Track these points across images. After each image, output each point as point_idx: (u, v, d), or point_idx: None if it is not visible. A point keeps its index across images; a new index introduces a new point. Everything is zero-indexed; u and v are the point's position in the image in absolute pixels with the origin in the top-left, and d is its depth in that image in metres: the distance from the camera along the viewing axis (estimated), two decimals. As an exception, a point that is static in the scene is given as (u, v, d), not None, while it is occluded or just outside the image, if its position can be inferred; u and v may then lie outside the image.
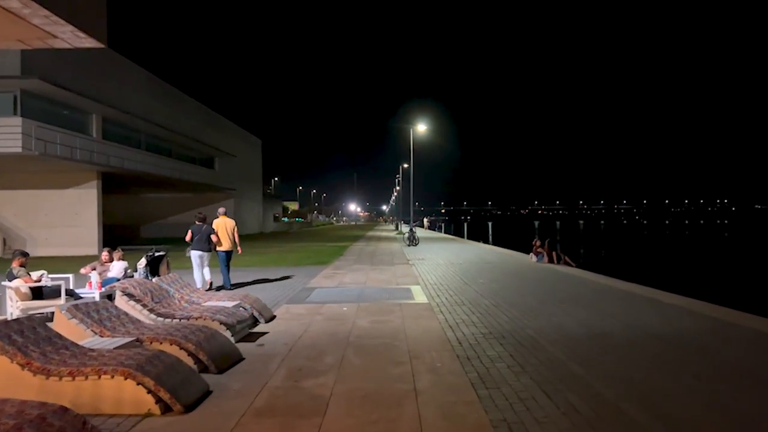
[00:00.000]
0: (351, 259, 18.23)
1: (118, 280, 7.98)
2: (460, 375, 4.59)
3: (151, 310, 5.76)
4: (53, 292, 7.19)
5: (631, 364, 4.92)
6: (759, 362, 4.99)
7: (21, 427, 2.55)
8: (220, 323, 5.61)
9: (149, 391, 3.58)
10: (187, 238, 9.83)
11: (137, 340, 4.66)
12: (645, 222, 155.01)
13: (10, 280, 6.93)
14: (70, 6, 2.82)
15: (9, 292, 6.86)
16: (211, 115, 41.09)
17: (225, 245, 10.17)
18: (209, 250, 9.91)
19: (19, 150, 19.08)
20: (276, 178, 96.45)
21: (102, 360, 3.76)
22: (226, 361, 4.82)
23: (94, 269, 8.40)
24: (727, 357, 5.18)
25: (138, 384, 3.57)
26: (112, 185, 29.14)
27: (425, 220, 72.88)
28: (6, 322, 3.87)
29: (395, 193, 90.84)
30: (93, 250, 22.37)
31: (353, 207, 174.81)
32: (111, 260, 8.72)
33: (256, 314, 6.73)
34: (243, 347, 5.51)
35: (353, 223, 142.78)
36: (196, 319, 5.66)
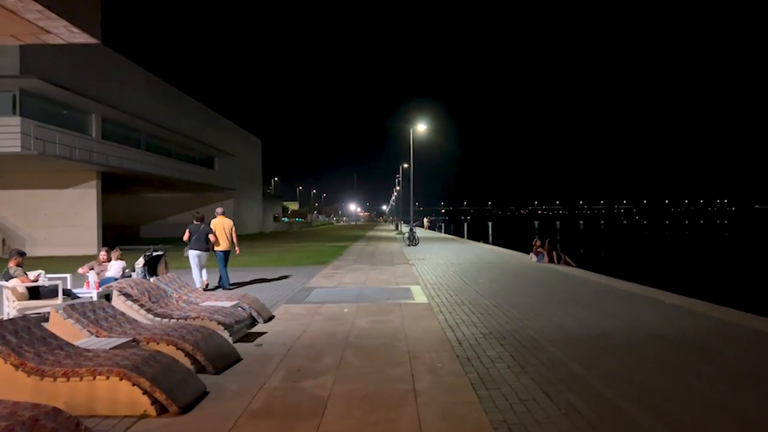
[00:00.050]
0: (350, 259, 18.18)
1: (116, 279, 7.92)
2: (460, 375, 4.55)
3: (148, 310, 5.72)
4: (50, 292, 7.14)
5: (632, 364, 4.88)
6: (761, 362, 4.95)
7: (13, 428, 2.51)
8: (218, 323, 5.57)
9: (145, 392, 3.54)
10: (185, 237, 9.78)
11: (134, 340, 4.61)
12: (645, 222, 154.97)
13: (6, 280, 6.89)
14: (63, 0, 2.78)
15: (6, 292, 6.82)
16: (211, 114, 41.05)
17: (223, 245, 10.13)
18: (207, 250, 9.87)
19: (18, 149, 19.04)
20: (276, 178, 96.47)
21: (97, 360, 3.72)
22: (224, 361, 4.77)
23: (92, 269, 8.35)
24: (729, 357, 5.14)
25: (133, 385, 3.53)
26: (112, 185, 29.10)
27: (425, 220, 72.82)
28: (0, 322, 3.83)
29: (395, 193, 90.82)
30: (93, 250, 22.33)
31: (353, 207, 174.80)
32: (109, 260, 8.68)
33: (254, 314, 6.69)
34: (241, 347, 5.46)
35: (353, 223, 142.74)
36: (194, 319, 5.61)
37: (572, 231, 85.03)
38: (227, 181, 41.08)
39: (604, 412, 3.68)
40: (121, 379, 3.53)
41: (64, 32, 2.98)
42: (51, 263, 15.85)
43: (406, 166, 50.24)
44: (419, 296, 9.20)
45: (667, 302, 8.41)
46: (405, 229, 40.55)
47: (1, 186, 23.53)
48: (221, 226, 10.20)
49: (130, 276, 8.46)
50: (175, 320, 5.57)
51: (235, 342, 5.61)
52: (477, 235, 56.10)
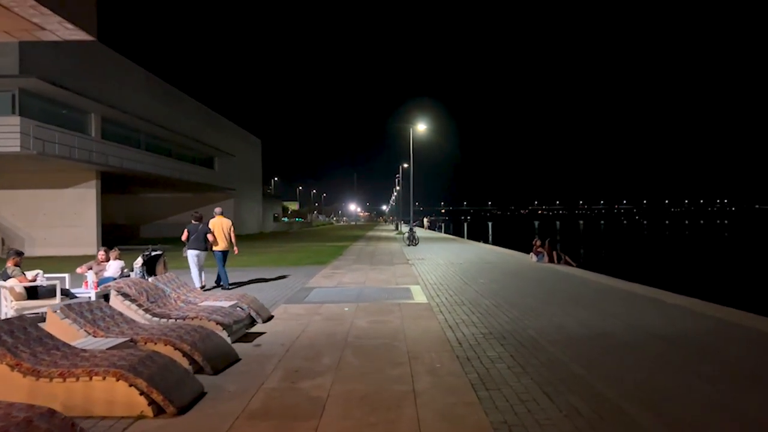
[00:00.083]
0: (350, 258, 18.15)
1: (115, 279, 7.89)
2: (460, 376, 4.51)
3: (146, 310, 5.69)
4: (49, 292, 7.10)
5: (633, 364, 4.85)
6: (762, 362, 4.92)
7: (7, 430, 2.47)
8: (217, 323, 5.54)
9: (142, 393, 3.50)
10: (184, 237, 9.75)
11: (131, 340, 4.58)
12: (645, 222, 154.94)
13: (4, 280, 6.86)
14: (57, -3, 2.75)
15: (3, 292, 6.78)
16: (211, 114, 41.04)
17: (221, 245, 10.10)
18: (206, 249, 9.83)
19: (18, 149, 19.01)
20: (276, 178, 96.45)
21: (94, 361, 3.68)
22: (222, 361, 4.74)
23: (91, 269, 8.32)
24: (731, 357, 5.11)
25: (130, 385, 3.49)
26: (112, 185, 29.07)
27: (425, 220, 72.76)
28: (-4, 322, 3.79)
29: (395, 193, 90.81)
30: (92, 250, 22.29)
31: (353, 207, 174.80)
32: (107, 260, 8.64)
33: (253, 314, 6.66)
34: (239, 348, 5.43)
35: (353, 223, 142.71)
36: (192, 319, 5.58)
37: (572, 231, 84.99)
38: (227, 181, 41.05)
39: (604, 412, 3.65)
40: (117, 380, 3.50)
41: (59, 29, 2.94)
42: (50, 263, 15.82)
43: (405, 166, 50.24)
44: (419, 296, 9.16)
45: (668, 302, 8.37)
46: (405, 229, 40.53)
47: (1, 186, 23.50)
48: (219, 226, 10.16)
49: (129, 276, 8.42)
50: (173, 320, 5.54)
51: (233, 342, 5.58)
52: (477, 235, 56.08)
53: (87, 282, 7.82)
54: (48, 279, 7.43)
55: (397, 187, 73.94)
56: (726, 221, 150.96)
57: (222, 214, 10.50)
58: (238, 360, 5.00)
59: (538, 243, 16.53)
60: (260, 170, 56.45)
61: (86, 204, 24.32)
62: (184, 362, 4.42)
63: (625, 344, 5.61)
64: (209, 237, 9.80)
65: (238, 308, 6.49)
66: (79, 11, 2.96)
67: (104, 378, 3.50)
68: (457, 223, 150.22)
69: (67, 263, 13.86)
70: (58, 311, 4.70)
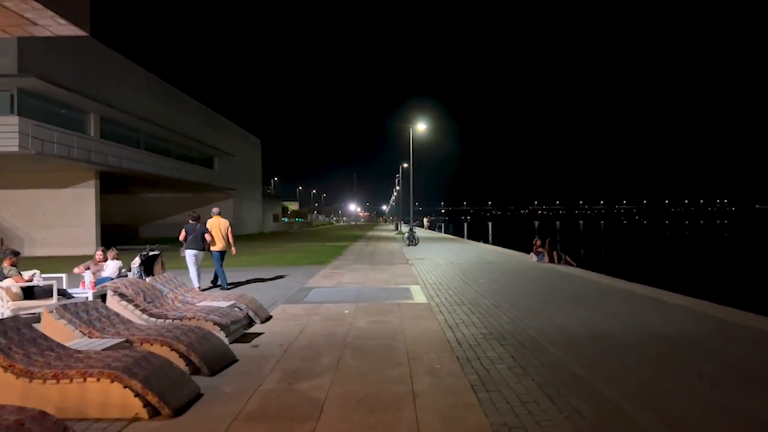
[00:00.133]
0: (350, 258, 18.10)
1: (113, 279, 7.84)
2: (460, 377, 4.46)
3: (143, 311, 5.63)
4: (45, 292, 7.06)
5: (634, 365, 4.80)
6: (764, 362, 4.88)
7: (-3, 433, 2.42)
8: (214, 324, 5.49)
9: (136, 395, 3.45)
10: (181, 237, 9.70)
11: (127, 341, 4.53)
12: (645, 222, 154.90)
13: (0, 280, 6.80)
14: (48, -10, 2.70)
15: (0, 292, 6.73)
16: (211, 114, 40.99)
17: (219, 245, 10.06)
18: (203, 249, 9.78)
19: (16, 149, 18.96)
20: (276, 178, 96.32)
21: (88, 362, 3.63)
22: (219, 362, 4.69)
23: (88, 269, 8.27)
24: (732, 357, 5.06)
25: (125, 387, 3.44)
26: (111, 185, 29.01)
27: (425, 220, 72.71)
28: (-11, 322, 3.74)
29: (395, 193, 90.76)
30: (91, 250, 22.20)
31: (353, 207, 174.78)
32: (105, 260, 8.59)
33: (251, 314, 6.61)
34: (237, 348, 5.38)
35: (353, 223, 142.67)
36: (189, 319, 5.53)
37: (572, 231, 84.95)
38: (227, 181, 41.00)
39: (606, 413, 3.60)
40: (112, 381, 3.45)
41: (51, 24, 2.89)
42: (49, 263, 15.78)
43: (405, 166, 50.21)
44: (419, 296, 9.11)
45: (669, 302, 8.32)
46: (405, 229, 40.48)
47: (0, 186, 23.46)
48: (217, 226, 10.12)
49: (127, 276, 8.38)
50: (170, 321, 5.49)
51: (231, 343, 5.53)
52: (477, 235, 56.05)
53: (84, 282, 7.77)
54: (45, 279, 7.38)
55: (397, 187, 73.92)
56: (726, 221, 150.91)
57: (220, 214, 10.45)
58: (235, 361, 4.95)
59: (539, 243, 16.48)
60: (260, 170, 56.40)
61: (85, 204, 24.26)
62: (181, 363, 4.36)
63: (626, 344, 5.56)
64: (207, 237, 9.75)
65: (236, 308, 6.44)
66: (72, 6, 2.91)
67: (98, 379, 3.44)
68: (457, 223, 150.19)
69: (66, 263, 13.81)
70: (54, 312, 4.65)
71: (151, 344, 4.48)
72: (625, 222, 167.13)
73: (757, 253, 33.90)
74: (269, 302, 8.41)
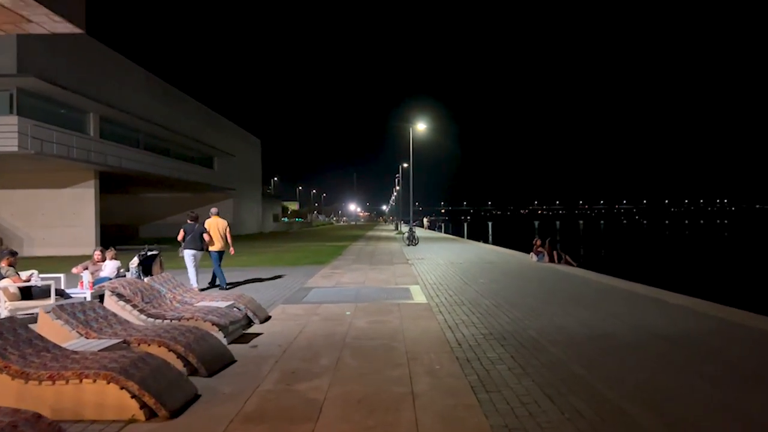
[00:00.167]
0: (350, 258, 18.07)
1: (111, 279, 7.81)
2: (460, 378, 4.43)
3: (141, 311, 5.60)
4: (43, 293, 7.03)
5: (635, 365, 4.77)
6: (765, 363, 4.86)
7: (-10, 435, 2.39)
8: (212, 324, 5.45)
9: (133, 396, 3.41)
10: (180, 237, 9.67)
11: (124, 341, 4.49)
12: (645, 222, 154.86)
13: (-2, 280, 6.77)
14: (42, -13, 2.66)
15: (-3, 293, 6.70)
16: (211, 114, 40.95)
17: (217, 245, 10.03)
18: (202, 249, 9.75)
19: (15, 149, 18.92)
20: (275, 178, 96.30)
21: (84, 363, 3.60)
22: (217, 363, 4.65)
23: (86, 269, 8.23)
24: (733, 358, 5.03)
25: (121, 388, 3.41)
26: (111, 185, 28.98)
27: (425, 219, 72.66)
28: (-15, 323, 3.71)
29: (395, 193, 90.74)
30: (91, 250, 22.08)
31: (353, 207, 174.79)
32: (103, 259, 8.56)
33: (250, 315, 6.57)
34: (235, 349, 5.35)
35: (353, 223, 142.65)
36: (188, 319, 5.50)
37: (572, 231, 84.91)
38: (227, 181, 40.96)
39: (607, 414, 3.57)
40: (108, 383, 3.41)
41: (46, 21, 2.86)
42: (49, 263, 15.75)
43: (405, 165, 50.19)
44: (418, 296, 9.07)
45: (670, 302, 8.29)
46: (405, 228, 40.45)
47: (-1, 186, 23.46)
48: (215, 226, 10.09)
49: (125, 276, 8.34)
50: (168, 321, 5.46)
51: (229, 343, 5.50)
52: (477, 234, 56.02)
53: (82, 282, 7.73)
54: (43, 279, 7.35)
55: (397, 187, 73.90)
56: (726, 221, 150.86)
57: (218, 214, 10.42)
58: (233, 361, 4.91)
59: (539, 243, 16.44)
60: (260, 170, 56.37)
61: (85, 204, 24.22)
62: (179, 364, 4.33)
63: (626, 344, 5.53)
64: (205, 237, 9.72)
65: (234, 309, 6.40)
66: (66, 3, 2.88)
67: (95, 380, 3.41)
68: (456, 223, 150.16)
69: (66, 263, 13.79)
70: (50, 312, 4.61)
71: (149, 345, 4.44)
72: (625, 222, 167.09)
73: (757, 253, 33.85)
74: (268, 302, 8.37)
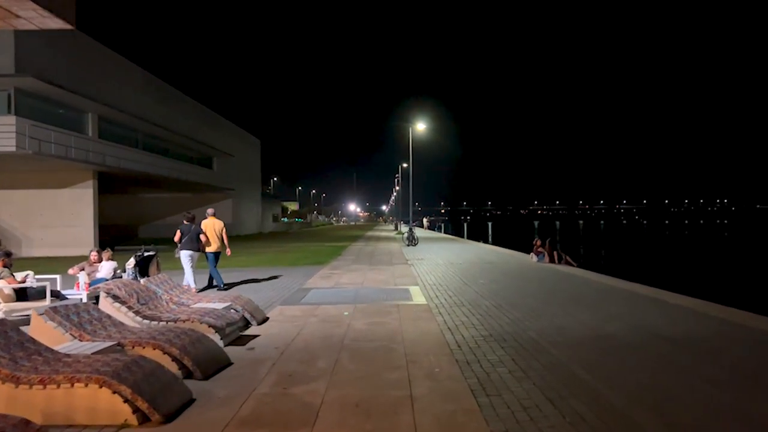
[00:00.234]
0: (349, 259, 17.99)
1: (107, 280, 7.74)
2: (459, 381, 4.36)
3: (136, 313, 5.53)
4: (39, 294, 6.96)
5: (637, 367, 4.70)
6: (766, 363, 4.80)
7: (-24, 442, 2.32)
8: (209, 326, 5.38)
9: (126, 400, 3.34)
10: (176, 238, 9.60)
11: (118, 344, 4.42)
12: (645, 222, 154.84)
13: (-8, 282, 6.70)
14: (29, -19, 2.60)
15: (-8, 294, 6.63)
16: (210, 114, 40.87)
17: (213, 246, 9.96)
18: (198, 250, 9.68)
19: (13, 149, 18.86)
20: (275, 178, 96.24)
21: (76, 366, 3.53)
22: (213, 366, 4.58)
23: (83, 270, 8.16)
24: (734, 358, 4.97)
25: (114, 392, 3.34)
26: (110, 185, 28.90)
27: (425, 220, 72.56)
28: (-25, 326, 3.64)
29: (395, 193, 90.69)
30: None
31: (353, 207, 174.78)
32: (100, 260, 8.49)
33: (247, 316, 6.50)
34: (232, 351, 5.28)
35: (353, 223, 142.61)
36: (184, 321, 5.42)
37: (572, 231, 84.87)
38: (226, 181, 40.88)
39: (608, 417, 3.50)
40: (100, 387, 3.34)
41: (34, 16, 2.79)
42: (47, 264, 15.69)
43: (405, 165, 50.13)
44: (418, 297, 9.01)
45: (670, 302, 8.23)
46: (404, 229, 40.39)
47: (-2, 186, 23.38)
48: (212, 227, 10.02)
49: (121, 277, 8.27)
50: (163, 323, 5.39)
51: (226, 345, 5.43)
52: (477, 235, 55.96)
53: (79, 283, 7.66)
54: (39, 280, 7.28)
55: (397, 187, 73.84)
56: (726, 221, 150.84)
57: (215, 215, 10.35)
58: (230, 364, 4.84)
59: (539, 243, 16.38)
60: (259, 170, 56.29)
61: (83, 204, 24.16)
62: (173, 367, 4.26)
63: (627, 345, 5.47)
64: (202, 238, 9.65)
65: (231, 310, 6.33)
66: (55, -1, 2.82)
67: (86, 385, 3.34)
68: (456, 223, 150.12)
69: (64, 264, 13.71)
70: (43, 314, 4.54)
71: (143, 347, 4.37)
72: (625, 222, 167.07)
73: (757, 253, 33.80)
74: (266, 303, 8.30)
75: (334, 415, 3.61)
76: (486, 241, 36.50)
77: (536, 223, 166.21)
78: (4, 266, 6.91)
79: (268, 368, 4.75)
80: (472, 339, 5.86)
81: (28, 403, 3.33)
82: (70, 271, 8.28)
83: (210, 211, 10.40)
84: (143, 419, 3.38)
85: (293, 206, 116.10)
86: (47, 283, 6.98)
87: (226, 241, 10.21)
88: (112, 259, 8.53)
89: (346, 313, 7.47)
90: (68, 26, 3.08)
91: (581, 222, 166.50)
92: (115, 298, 5.55)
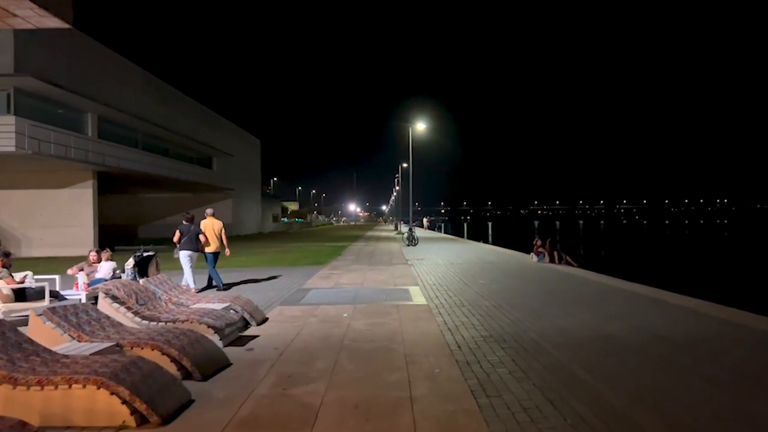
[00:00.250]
0: (349, 259, 17.98)
1: (106, 281, 7.71)
2: (459, 382, 4.34)
3: (135, 313, 5.51)
4: (37, 294, 6.94)
5: (638, 367, 4.68)
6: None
7: (-28, 445, 2.30)
8: (208, 326, 5.36)
9: (124, 402, 3.33)
10: (175, 238, 9.58)
11: (117, 345, 4.40)
12: (645, 222, 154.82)
13: (-9, 282, 6.68)
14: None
15: (-10, 294, 6.61)
16: (209, 114, 40.84)
17: (213, 246, 9.95)
18: (198, 250, 9.66)
19: (13, 149, 18.83)
20: (275, 178, 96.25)
21: (74, 368, 3.51)
22: (212, 367, 4.56)
23: (82, 270, 8.15)
24: (736, 359, 4.95)
25: (112, 393, 3.32)
26: (109, 185, 28.87)
27: (425, 220, 72.54)
28: (-27, 326, 3.62)
29: (395, 193, 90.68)
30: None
31: (353, 207, 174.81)
32: (99, 261, 8.47)
33: (246, 317, 6.48)
34: (231, 352, 5.26)
35: (353, 223, 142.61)
36: (183, 322, 5.40)
37: (572, 231, 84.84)
38: (226, 181, 40.85)
39: (609, 418, 3.49)
40: (98, 388, 3.32)
41: (31, 15, 2.77)
42: (47, 264, 15.67)
43: (405, 165, 50.12)
44: (418, 297, 8.99)
45: (671, 303, 8.21)
46: (404, 229, 40.37)
47: (-3, 186, 23.36)
48: (211, 227, 10.00)
49: (120, 277, 8.25)
50: (162, 323, 5.37)
51: (225, 346, 5.41)
52: (477, 235, 55.93)
53: (78, 284, 7.64)
54: (38, 280, 7.26)
55: (397, 187, 73.83)
56: (726, 221, 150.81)
57: (213, 215, 10.33)
58: (229, 365, 4.83)
59: (539, 243, 16.36)
60: (259, 170, 56.25)
61: (83, 204, 24.13)
62: (172, 368, 4.24)
63: (628, 346, 5.45)
64: (201, 238, 9.63)
65: (231, 310, 6.31)
66: (52, -3, 2.80)
67: (84, 386, 3.32)
68: (456, 223, 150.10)
69: (64, 264, 13.69)
70: (42, 315, 4.52)
71: (142, 348, 4.35)
72: (625, 222, 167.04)
73: (758, 253, 33.78)
74: (266, 304, 8.29)
75: (333, 416, 3.59)
76: (486, 241, 36.48)
77: (536, 223, 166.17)
78: (3, 266, 6.89)
79: (268, 369, 4.73)
80: (472, 339, 5.84)
81: (25, 404, 3.31)
82: (69, 272, 8.26)
83: (209, 211, 10.38)
84: (141, 420, 3.36)
85: (293, 206, 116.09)
86: (46, 284, 6.96)
87: (225, 242, 10.19)
88: (111, 260, 8.51)
89: (345, 314, 7.44)
90: (65, 25, 3.06)
91: (581, 222, 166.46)
92: (114, 298, 5.53)
